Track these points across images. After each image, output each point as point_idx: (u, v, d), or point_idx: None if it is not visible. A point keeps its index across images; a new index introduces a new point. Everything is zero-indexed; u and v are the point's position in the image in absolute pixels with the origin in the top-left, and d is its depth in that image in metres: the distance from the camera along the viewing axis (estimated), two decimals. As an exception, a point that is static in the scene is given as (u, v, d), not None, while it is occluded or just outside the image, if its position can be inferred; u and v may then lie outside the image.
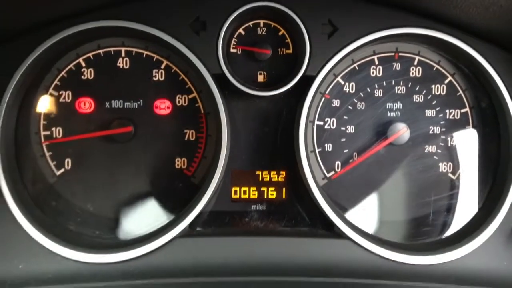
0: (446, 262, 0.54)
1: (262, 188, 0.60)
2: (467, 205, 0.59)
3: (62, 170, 0.57)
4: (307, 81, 0.55)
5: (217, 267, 0.54)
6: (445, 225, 0.60)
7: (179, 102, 0.58)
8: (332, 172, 0.59)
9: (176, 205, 0.58)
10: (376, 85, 0.59)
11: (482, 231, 0.53)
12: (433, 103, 0.59)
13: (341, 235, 0.55)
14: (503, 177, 0.55)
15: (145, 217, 0.58)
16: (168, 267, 0.54)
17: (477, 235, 0.53)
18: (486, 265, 0.53)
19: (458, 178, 0.59)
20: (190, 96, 0.58)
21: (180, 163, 0.58)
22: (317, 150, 0.59)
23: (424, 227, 0.61)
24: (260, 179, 0.60)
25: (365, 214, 0.60)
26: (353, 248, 0.54)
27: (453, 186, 0.60)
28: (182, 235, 0.54)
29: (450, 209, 0.60)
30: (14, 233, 0.52)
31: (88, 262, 0.52)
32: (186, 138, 0.58)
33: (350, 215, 0.59)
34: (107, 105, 0.57)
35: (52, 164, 0.57)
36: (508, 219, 0.53)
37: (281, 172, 0.60)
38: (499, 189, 0.55)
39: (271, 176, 0.60)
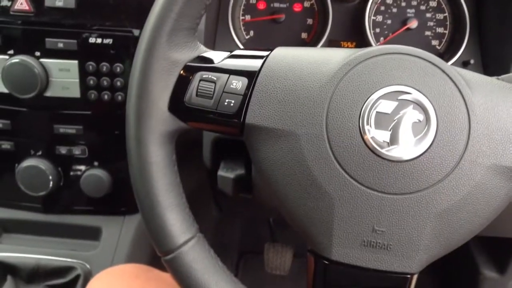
0: None
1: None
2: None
3: (248, 36, 1.07)
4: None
5: None
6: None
7: (305, 4, 1.06)
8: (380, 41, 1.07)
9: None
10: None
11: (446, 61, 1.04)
12: (430, 10, 1.07)
13: None
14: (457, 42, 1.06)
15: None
16: None
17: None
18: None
19: (441, 47, 1.09)
20: (311, 2, 1.08)
21: (304, 35, 1.09)
22: (372, 31, 1.07)
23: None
24: (342, 46, 1.10)
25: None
26: None
27: (439, 52, 1.07)
28: None
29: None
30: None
31: None
32: (307, 23, 1.06)
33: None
34: (271, 5, 1.05)
35: (244, 33, 1.06)
36: (459, 58, 1.02)
37: (353, 42, 1.11)
38: (458, 46, 1.03)
39: (348, 44, 1.11)
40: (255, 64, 0.48)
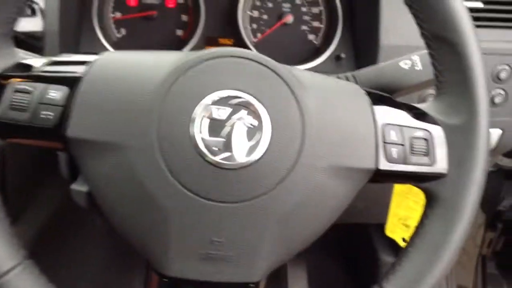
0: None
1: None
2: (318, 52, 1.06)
3: (120, 35, 1.01)
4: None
5: None
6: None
7: (178, 0, 1.04)
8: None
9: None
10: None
11: (320, 55, 1.02)
12: (305, 4, 1.09)
13: None
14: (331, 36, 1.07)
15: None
16: None
17: (317, 57, 1.02)
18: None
19: (318, 42, 1.10)
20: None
21: (180, 32, 1.09)
22: (249, 27, 1.07)
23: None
24: (219, 42, 1.10)
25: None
26: None
27: (316, 46, 1.11)
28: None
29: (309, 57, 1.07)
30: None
31: None
32: (182, 19, 1.04)
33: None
34: (143, 1, 1.01)
35: (115, 31, 1.01)
36: (333, 52, 1.04)
37: (230, 39, 1.09)
38: (330, 39, 1.06)
39: (225, 41, 1.12)
40: (77, 70, 0.45)
